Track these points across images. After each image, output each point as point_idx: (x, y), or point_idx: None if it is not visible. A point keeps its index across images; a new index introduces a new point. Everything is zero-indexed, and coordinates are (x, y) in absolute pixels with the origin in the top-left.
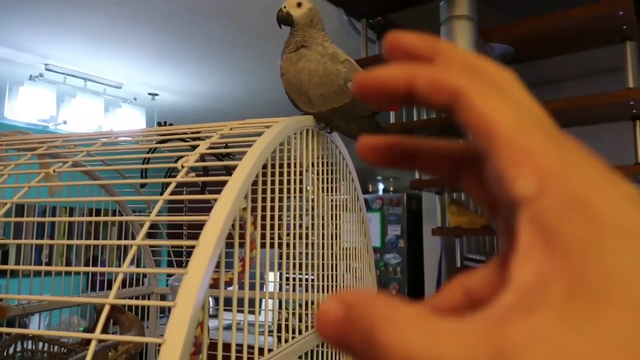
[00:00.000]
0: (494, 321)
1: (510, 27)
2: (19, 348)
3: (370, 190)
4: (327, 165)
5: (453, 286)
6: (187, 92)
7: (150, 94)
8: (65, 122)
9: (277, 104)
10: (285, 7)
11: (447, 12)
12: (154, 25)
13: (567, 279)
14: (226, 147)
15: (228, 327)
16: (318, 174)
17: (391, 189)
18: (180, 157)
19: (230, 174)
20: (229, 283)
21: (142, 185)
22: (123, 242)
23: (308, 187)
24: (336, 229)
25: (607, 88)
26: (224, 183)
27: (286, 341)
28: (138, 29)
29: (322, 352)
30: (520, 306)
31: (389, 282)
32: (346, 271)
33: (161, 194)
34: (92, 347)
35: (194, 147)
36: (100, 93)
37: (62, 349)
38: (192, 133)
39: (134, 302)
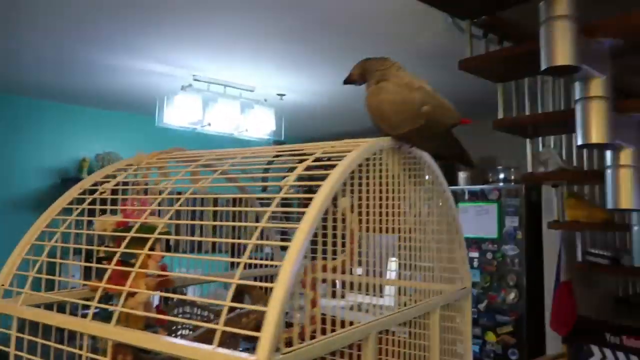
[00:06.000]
0: None
1: (618, 20)
2: (180, 311)
3: (490, 180)
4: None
5: None
6: (309, 91)
7: (278, 94)
8: (209, 124)
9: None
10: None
11: (547, 13)
12: (283, 37)
13: None
14: (328, 160)
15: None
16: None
17: (512, 177)
18: (292, 168)
19: None
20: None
21: (264, 189)
22: (254, 224)
23: (428, 177)
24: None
25: None
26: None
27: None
28: (269, 42)
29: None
30: None
31: (506, 274)
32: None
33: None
34: (224, 311)
35: (301, 161)
36: (237, 97)
37: (211, 314)
38: (298, 150)
39: (252, 282)
